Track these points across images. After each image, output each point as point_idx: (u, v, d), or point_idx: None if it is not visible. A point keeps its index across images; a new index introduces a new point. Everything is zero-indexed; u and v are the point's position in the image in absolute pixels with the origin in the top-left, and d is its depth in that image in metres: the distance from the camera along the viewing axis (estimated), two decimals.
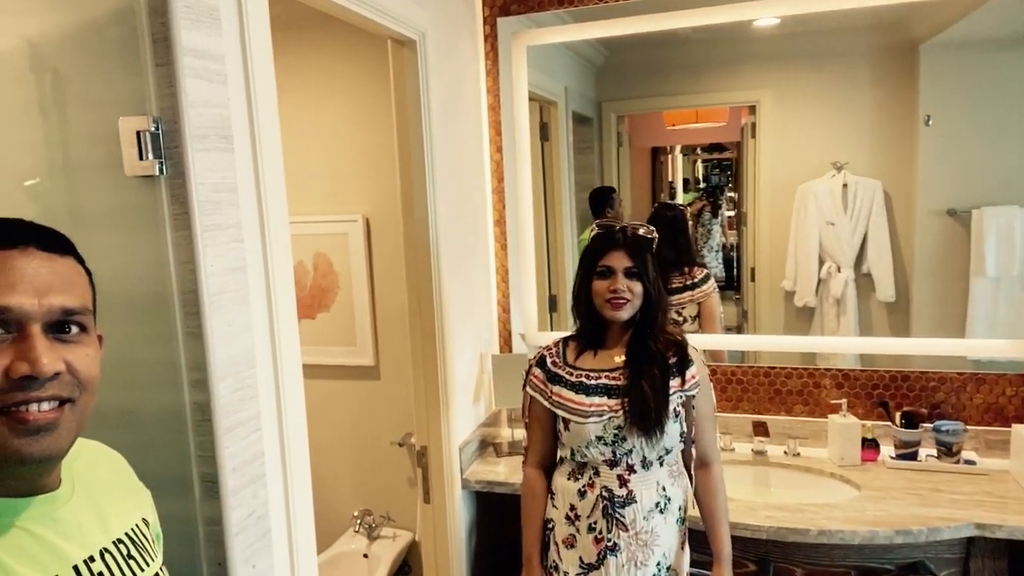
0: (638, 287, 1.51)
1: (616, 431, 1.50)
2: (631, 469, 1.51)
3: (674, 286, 2.34)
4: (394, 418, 2.63)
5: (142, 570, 0.77)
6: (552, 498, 1.62)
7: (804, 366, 2.21)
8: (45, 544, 0.67)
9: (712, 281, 2.36)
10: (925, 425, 2.02)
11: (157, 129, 1.02)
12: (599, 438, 1.51)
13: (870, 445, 2.06)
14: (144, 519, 0.83)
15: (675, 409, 1.52)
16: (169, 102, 1.02)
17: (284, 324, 1.25)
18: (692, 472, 1.63)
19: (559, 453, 1.63)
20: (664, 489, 1.54)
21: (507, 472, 2.11)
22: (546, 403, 1.59)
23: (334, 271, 2.63)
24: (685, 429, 1.56)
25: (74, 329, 0.68)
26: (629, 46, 2.37)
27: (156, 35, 1.00)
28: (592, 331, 1.59)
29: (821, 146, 2.21)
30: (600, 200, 2.66)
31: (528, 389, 1.65)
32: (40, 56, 1.06)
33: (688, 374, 1.55)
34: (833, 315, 2.26)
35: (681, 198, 2.68)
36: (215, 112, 1.08)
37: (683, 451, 1.61)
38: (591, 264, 1.55)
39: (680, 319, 2.34)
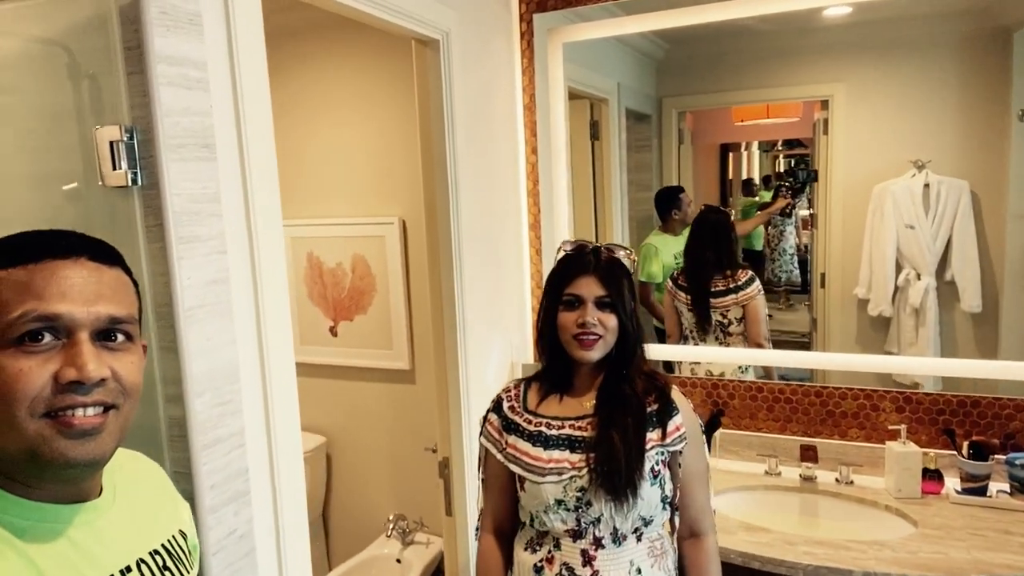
0: (612, 320, 1.27)
1: (579, 494, 1.23)
2: (598, 543, 1.24)
3: (718, 289, 2.24)
4: (429, 423, 2.59)
5: None
6: (510, 571, 1.37)
7: (861, 386, 2.02)
8: (85, 552, 0.69)
9: (757, 283, 2.23)
10: (997, 457, 1.81)
11: (131, 139, 0.99)
12: (559, 502, 1.24)
13: (932, 476, 1.86)
14: (181, 531, 0.85)
15: (653, 468, 1.25)
16: (142, 111, 0.99)
17: (275, 337, 1.21)
18: (676, 545, 1.36)
19: (520, 517, 1.36)
20: (639, 572, 1.25)
21: None
22: (500, 456, 1.34)
23: (371, 273, 2.61)
24: (669, 494, 1.29)
25: (120, 337, 0.70)
26: (692, 39, 2.25)
27: (129, 43, 0.98)
28: (558, 371, 1.34)
29: (900, 143, 2.03)
30: (667, 201, 2.54)
31: (482, 439, 1.40)
32: (28, 66, 1.06)
33: (671, 425, 1.29)
34: (911, 326, 2.07)
35: (760, 196, 2.52)
36: (194, 120, 1.05)
37: (668, 521, 1.34)
38: (556, 291, 1.30)
39: (724, 322, 2.21)
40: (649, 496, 1.24)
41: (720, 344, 2.23)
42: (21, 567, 0.63)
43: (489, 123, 2.08)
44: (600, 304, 1.26)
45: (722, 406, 2.18)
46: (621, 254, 1.32)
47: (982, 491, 1.81)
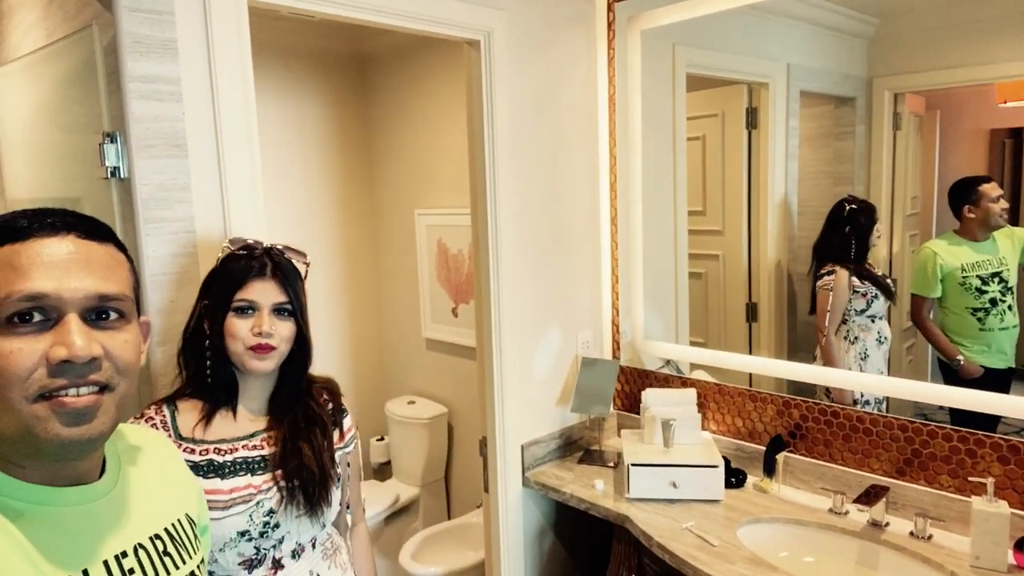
0: (289, 329, 1.16)
1: (267, 518, 1.11)
2: (277, 565, 1.13)
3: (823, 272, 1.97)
4: None
5: (176, 567, 0.76)
6: None
7: (956, 427, 1.66)
8: (78, 537, 0.67)
9: (831, 277, 1.93)
10: None
11: (113, 142, 1.29)
12: (243, 533, 1.09)
13: None
14: (188, 515, 0.83)
15: (337, 470, 1.23)
16: (120, 122, 1.29)
17: None
18: (347, 541, 1.34)
19: None
20: None
21: (571, 478, 2.04)
22: None
23: None
24: (346, 494, 1.29)
25: (112, 315, 0.68)
26: (914, 9, 1.86)
27: (109, 69, 1.28)
28: (221, 387, 1.15)
29: None
30: (959, 195, 2.12)
31: None
32: (53, 94, 1.43)
33: (346, 425, 1.28)
34: None
35: None
36: (164, 125, 1.32)
37: (335, 520, 1.29)
38: (224, 296, 1.12)
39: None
40: (335, 500, 1.21)
41: None
42: (11, 549, 0.62)
43: (554, 116, 2.11)
44: (278, 311, 1.15)
45: (794, 428, 1.94)
46: (293, 255, 1.22)
47: None
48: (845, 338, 1.92)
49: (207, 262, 1.40)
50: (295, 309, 1.17)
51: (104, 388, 0.67)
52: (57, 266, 0.65)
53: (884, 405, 1.85)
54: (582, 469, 2.12)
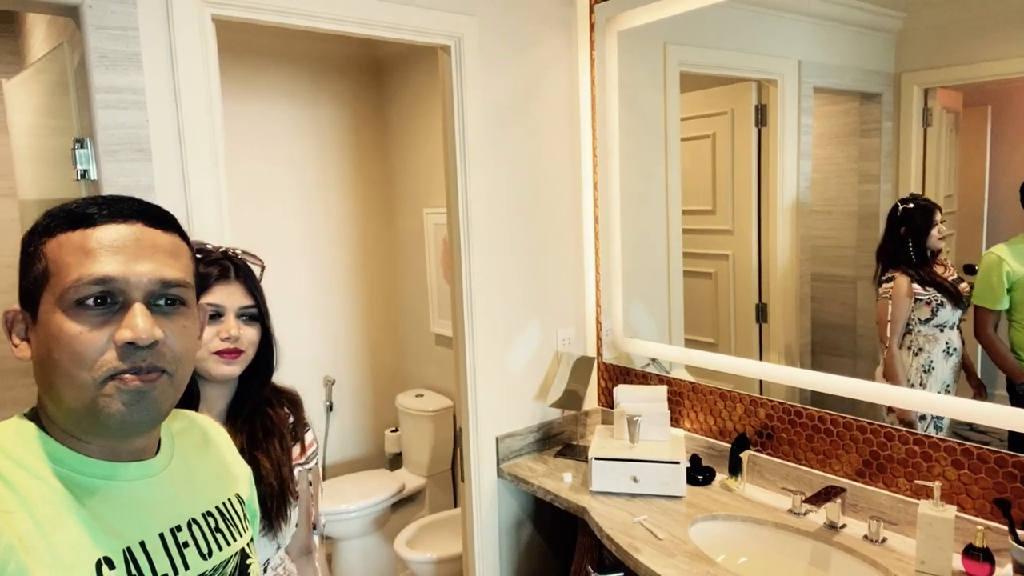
0: (254, 333, 1.14)
1: None
2: None
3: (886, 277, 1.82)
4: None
5: (228, 544, 0.79)
6: None
7: (914, 431, 1.62)
8: (135, 510, 0.71)
9: (891, 285, 1.81)
10: None
11: (83, 147, 1.43)
12: None
13: (978, 556, 1.43)
14: (238, 495, 0.86)
15: (297, 487, 1.18)
16: (89, 129, 1.42)
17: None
18: (316, 564, 1.26)
19: None
20: None
21: (544, 471, 2.09)
22: None
23: None
24: (299, 514, 1.21)
25: (174, 302, 0.71)
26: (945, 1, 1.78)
27: (78, 83, 1.42)
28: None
29: None
30: None
31: None
32: (37, 109, 1.59)
33: (307, 440, 1.23)
34: None
35: None
36: (129, 131, 1.45)
37: (289, 544, 1.22)
38: None
39: None
40: (293, 519, 1.16)
41: None
42: (77, 518, 0.66)
43: (533, 117, 2.16)
44: (244, 315, 1.14)
45: (761, 428, 1.93)
46: (249, 258, 1.21)
47: None
48: (909, 349, 1.75)
49: None
50: (261, 313, 1.15)
51: (163, 372, 0.69)
52: (124, 251, 0.68)
53: (944, 424, 1.66)
54: (557, 463, 2.16)
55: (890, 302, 1.78)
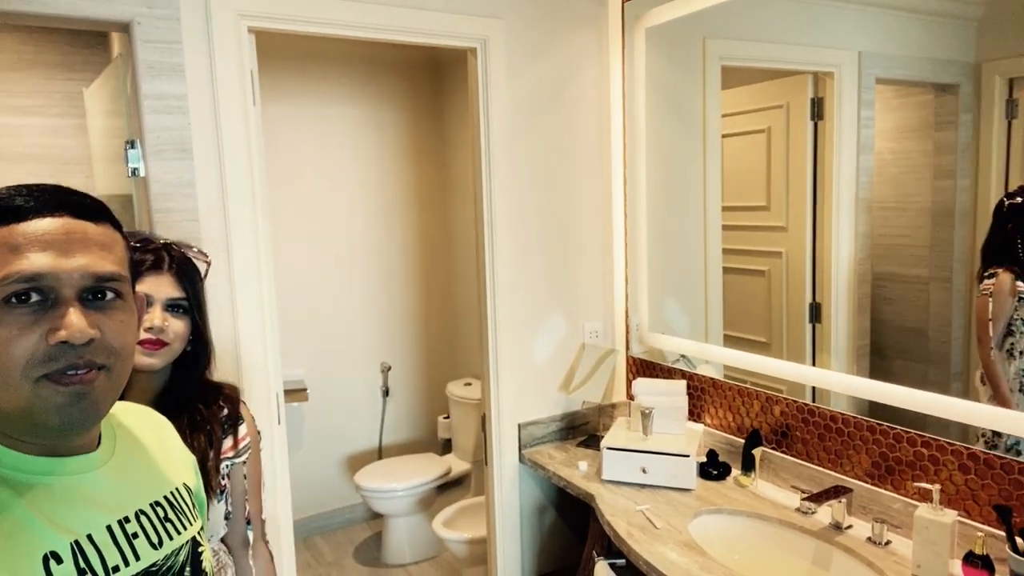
0: (182, 326, 1.13)
1: None
2: None
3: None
4: None
5: (179, 533, 0.78)
6: None
7: (923, 433, 1.58)
8: (80, 504, 0.69)
9: (992, 281, 1.74)
10: None
11: (134, 147, 1.63)
12: None
13: (976, 562, 1.39)
14: (185, 484, 0.85)
15: (222, 481, 1.17)
16: (138, 131, 1.62)
17: (240, 277, 1.74)
18: (248, 560, 1.27)
19: None
20: None
21: (563, 459, 2.16)
22: None
23: None
24: (230, 508, 1.20)
25: (109, 295, 0.69)
26: None
27: (130, 90, 1.61)
28: None
29: None
30: None
31: None
32: (102, 114, 1.80)
33: (240, 433, 1.23)
34: None
35: None
36: (173, 134, 1.64)
37: (228, 539, 1.23)
38: None
39: None
40: (214, 515, 1.16)
41: None
42: (19, 516, 0.64)
43: (562, 115, 2.22)
44: (173, 307, 1.13)
45: (776, 425, 1.92)
46: (194, 253, 1.21)
47: None
48: (1009, 352, 1.65)
49: (208, 246, 1.70)
50: (192, 306, 1.14)
51: (101, 368, 0.67)
52: (52, 245, 0.65)
53: None
54: (577, 452, 2.22)
55: (991, 299, 1.70)
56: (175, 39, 1.62)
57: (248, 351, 1.77)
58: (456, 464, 3.32)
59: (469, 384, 3.39)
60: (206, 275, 1.21)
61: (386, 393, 3.62)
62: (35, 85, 2.83)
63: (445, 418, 3.60)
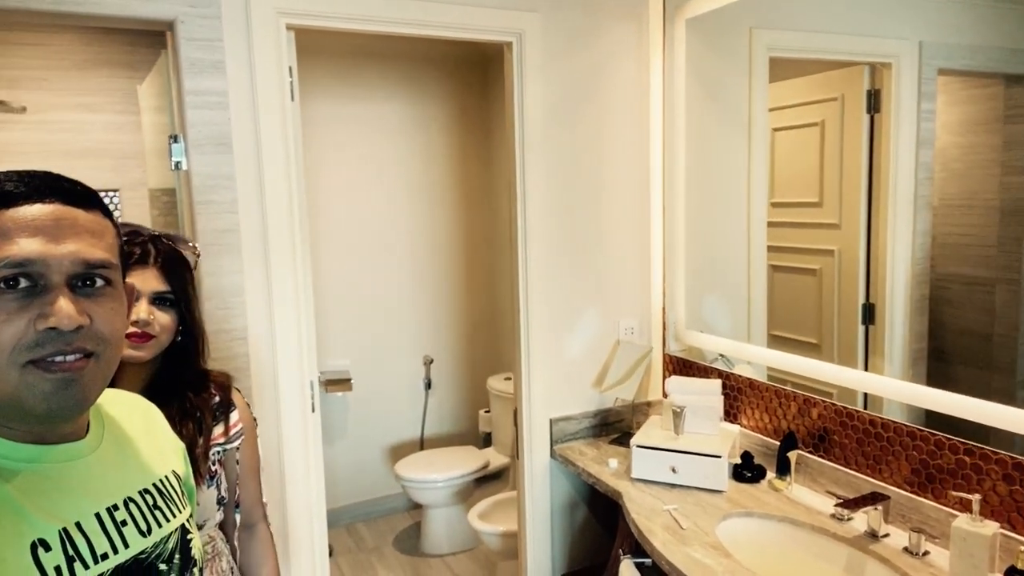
0: (169, 319, 1.13)
1: None
2: None
3: None
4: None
5: (167, 520, 0.78)
6: None
7: (966, 441, 1.51)
8: (68, 492, 0.69)
9: None
10: None
11: (177, 141, 1.70)
12: None
13: None
14: (175, 471, 0.85)
15: (211, 468, 1.18)
16: (181, 126, 1.68)
17: (278, 271, 1.80)
18: (235, 542, 1.29)
19: None
20: None
21: (594, 455, 2.14)
22: None
23: None
24: (224, 494, 1.22)
25: (99, 282, 0.68)
26: None
27: (174, 86, 1.67)
28: None
29: None
30: None
31: None
32: (155, 105, 1.87)
33: (232, 420, 1.24)
34: None
35: None
36: (213, 128, 1.70)
37: (222, 522, 1.24)
38: None
39: None
40: (205, 500, 1.17)
41: None
42: (6, 504, 0.64)
43: (598, 108, 2.20)
44: (159, 301, 1.13)
45: (814, 429, 1.86)
46: (183, 246, 1.20)
47: None
48: None
49: (247, 237, 1.76)
50: (178, 299, 1.15)
51: (90, 355, 0.67)
52: (43, 231, 0.65)
53: None
54: (609, 449, 2.20)
55: None
56: (216, 37, 1.68)
57: (283, 340, 1.82)
58: (495, 458, 3.33)
59: (509, 379, 3.40)
60: (195, 267, 1.22)
61: (428, 385, 3.67)
62: (99, 84, 2.98)
63: (486, 412, 3.63)
